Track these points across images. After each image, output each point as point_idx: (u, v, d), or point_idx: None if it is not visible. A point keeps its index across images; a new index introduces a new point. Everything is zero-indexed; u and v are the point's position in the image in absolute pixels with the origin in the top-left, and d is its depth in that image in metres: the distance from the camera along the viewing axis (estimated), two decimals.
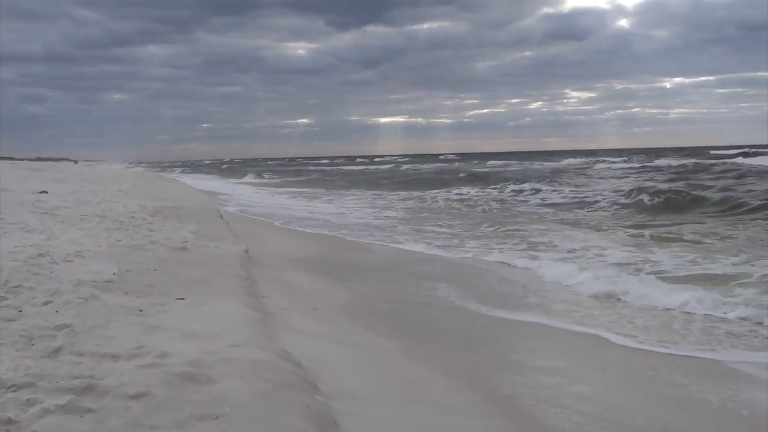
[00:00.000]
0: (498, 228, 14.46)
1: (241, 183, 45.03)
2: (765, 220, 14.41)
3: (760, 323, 6.50)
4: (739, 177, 26.84)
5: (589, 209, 19.48)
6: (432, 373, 5.06)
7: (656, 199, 19.16)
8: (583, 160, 61.71)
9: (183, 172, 72.31)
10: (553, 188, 25.63)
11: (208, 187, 33.65)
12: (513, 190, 26.30)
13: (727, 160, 43.70)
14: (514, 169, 47.39)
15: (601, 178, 32.74)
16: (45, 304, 4.88)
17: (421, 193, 27.07)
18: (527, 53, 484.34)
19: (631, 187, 21.45)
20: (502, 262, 10.21)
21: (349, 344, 5.56)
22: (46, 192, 15.80)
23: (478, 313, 7.17)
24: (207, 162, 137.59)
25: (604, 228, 14.39)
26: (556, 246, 11.45)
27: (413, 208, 21.22)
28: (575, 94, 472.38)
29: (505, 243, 12.12)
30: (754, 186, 22.06)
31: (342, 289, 8.23)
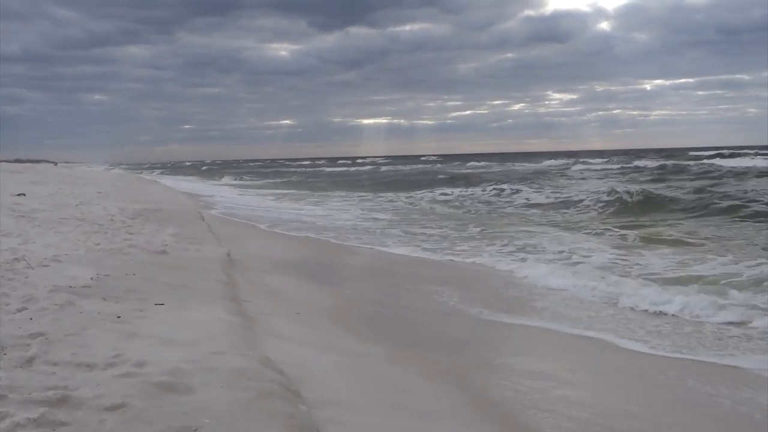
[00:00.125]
0: (484, 229, 14.51)
1: (219, 185, 44.33)
2: (742, 220, 14.85)
3: (744, 323, 6.53)
4: (716, 178, 27.42)
5: (576, 208, 19.67)
6: (418, 378, 4.98)
7: (637, 199, 19.37)
8: (564, 161, 62.13)
9: (162, 173, 71.51)
10: (534, 189, 25.77)
11: (190, 189, 33.33)
12: (495, 189, 26.42)
13: (705, 161, 44.44)
14: (495, 170, 47.51)
15: (582, 178, 33.01)
16: (19, 311, 4.74)
17: (406, 195, 27.03)
18: (509, 55, 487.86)
19: (611, 189, 21.65)
20: (491, 266, 10.16)
21: (332, 349, 5.46)
22: (24, 195, 15.53)
23: (467, 316, 7.10)
24: (188, 163, 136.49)
25: (591, 229, 14.52)
26: (545, 248, 11.47)
27: (400, 210, 21.17)
28: (557, 95, 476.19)
29: (493, 245, 12.12)
30: (730, 187, 22.60)
31: (326, 292, 8.12)
